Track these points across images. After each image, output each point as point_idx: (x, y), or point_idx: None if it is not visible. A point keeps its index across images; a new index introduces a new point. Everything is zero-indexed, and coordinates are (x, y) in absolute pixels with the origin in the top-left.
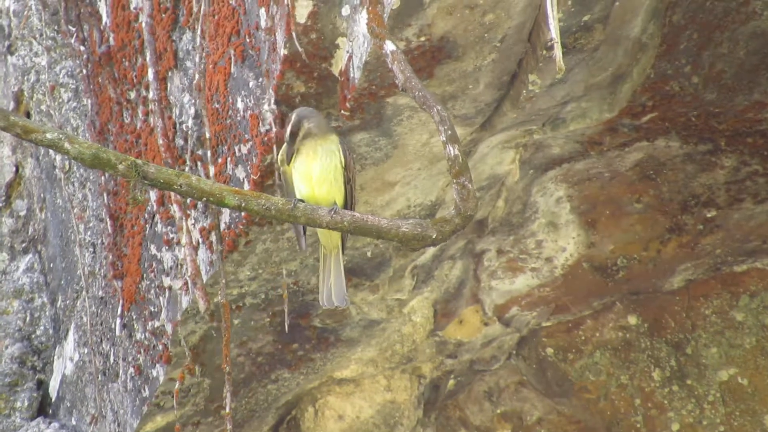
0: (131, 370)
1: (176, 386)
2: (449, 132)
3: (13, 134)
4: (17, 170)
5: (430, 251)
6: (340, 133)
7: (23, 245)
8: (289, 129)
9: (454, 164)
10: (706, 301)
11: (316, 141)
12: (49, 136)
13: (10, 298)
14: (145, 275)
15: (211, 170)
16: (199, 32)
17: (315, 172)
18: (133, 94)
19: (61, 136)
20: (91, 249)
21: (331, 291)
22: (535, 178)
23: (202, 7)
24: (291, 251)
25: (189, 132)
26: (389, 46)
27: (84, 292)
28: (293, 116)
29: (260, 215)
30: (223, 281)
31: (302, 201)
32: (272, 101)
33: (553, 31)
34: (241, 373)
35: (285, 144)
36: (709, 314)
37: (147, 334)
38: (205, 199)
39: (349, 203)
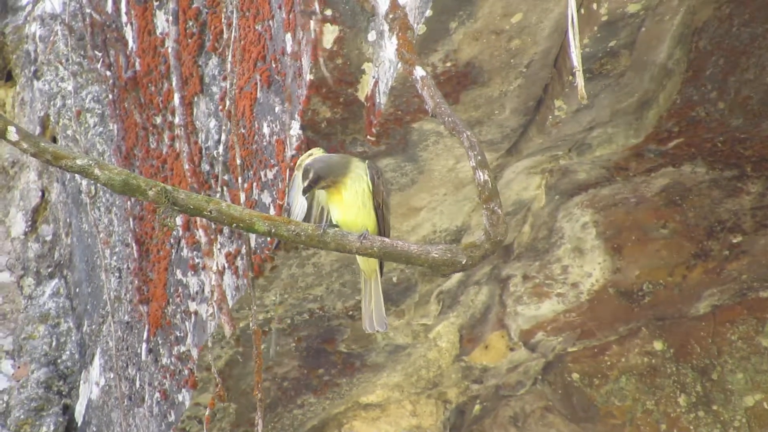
0: (157, 394)
1: (206, 413)
2: (479, 157)
3: (43, 161)
4: (43, 195)
5: (456, 277)
6: (367, 157)
7: (49, 270)
8: (306, 183)
9: (483, 189)
10: (732, 327)
11: (346, 169)
12: (79, 162)
13: (36, 322)
14: (170, 300)
15: (242, 197)
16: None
17: (346, 199)
18: (159, 120)
19: (90, 162)
20: (116, 274)
21: (372, 316)
22: (560, 203)
23: (232, 34)
24: (317, 276)
25: (215, 157)
26: (419, 71)
27: (110, 317)
28: (311, 173)
29: (290, 241)
30: (254, 308)
31: (335, 226)
32: (298, 126)
33: (575, 60)
34: (267, 398)
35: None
36: (734, 340)
37: (173, 359)
38: (234, 225)
39: (381, 228)
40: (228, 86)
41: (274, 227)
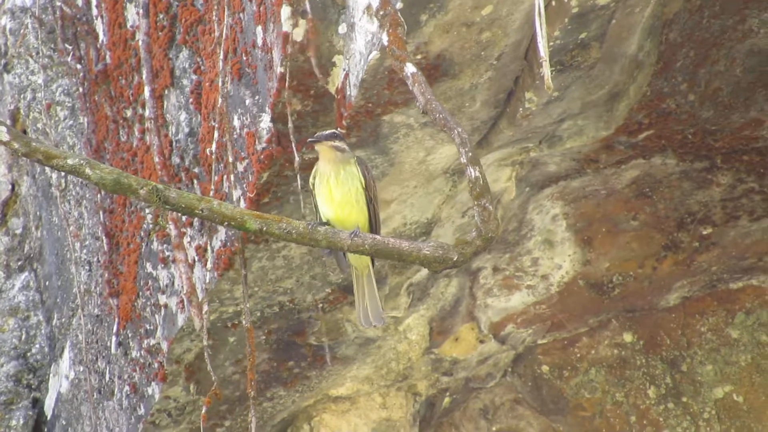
0: (127, 388)
1: (203, 411)
2: (470, 154)
3: (34, 160)
4: (13, 188)
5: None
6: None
7: (19, 263)
8: (322, 132)
9: (475, 186)
10: (702, 319)
11: (339, 164)
12: (70, 162)
13: (5, 316)
14: (140, 293)
15: (235, 195)
16: (221, 56)
17: (337, 196)
18: (129, 112)
19: (82, 161)
20: (86, 267)
21: (367, 311)
22: (531, 195)
23: (224, 32)
24: (287, 269)
25: (185, 150)
26: (410, 68)
27: (80, 310)
28: (329, 130)
29: (282, 239)
30: (247, 306)
31: (326, 224)
32: (269, 119)
33: (542, 50)
34: (236, 391)
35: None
36: (704, 331)
37: (142, 352)
38: (226, 223)
39: (373, 222)
40: (220, 84)
41: (265, 225)
